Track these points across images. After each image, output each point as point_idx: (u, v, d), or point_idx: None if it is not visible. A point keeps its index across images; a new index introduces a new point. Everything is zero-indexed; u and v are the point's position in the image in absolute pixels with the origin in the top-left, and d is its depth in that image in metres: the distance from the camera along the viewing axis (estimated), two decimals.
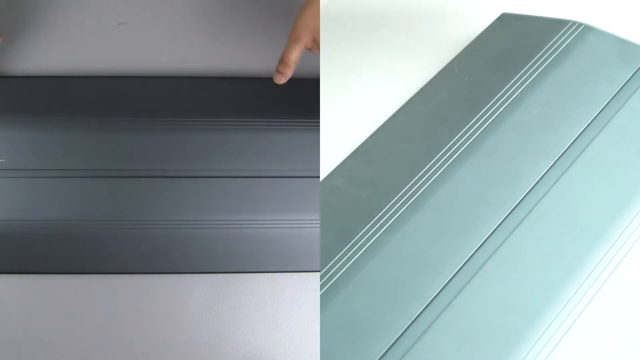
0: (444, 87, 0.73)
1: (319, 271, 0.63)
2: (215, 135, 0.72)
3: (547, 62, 0.72)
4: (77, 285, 0.69)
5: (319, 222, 0.69)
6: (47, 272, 0.69)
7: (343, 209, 0.64)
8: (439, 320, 0.54)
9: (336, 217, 0.63)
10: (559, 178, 0.62)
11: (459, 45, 0.78)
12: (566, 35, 0.74)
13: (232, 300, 0.70)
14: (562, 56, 0.72)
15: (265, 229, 0.70)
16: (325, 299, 0.57)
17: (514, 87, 0.70)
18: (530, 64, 0.72)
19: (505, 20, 0.78)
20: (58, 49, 0.75)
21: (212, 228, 0.70)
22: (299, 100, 0.73)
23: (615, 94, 0.68)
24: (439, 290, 0.56)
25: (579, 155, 0.64)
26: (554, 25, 0.75)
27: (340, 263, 0.59)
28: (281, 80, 0.65)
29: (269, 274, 0.71)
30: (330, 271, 0.59)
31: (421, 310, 0.55)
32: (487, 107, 0.69)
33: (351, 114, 0.74)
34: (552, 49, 0.73)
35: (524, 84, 0.70)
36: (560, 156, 0.64)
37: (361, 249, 0.60)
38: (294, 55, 0.63)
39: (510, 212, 0.60)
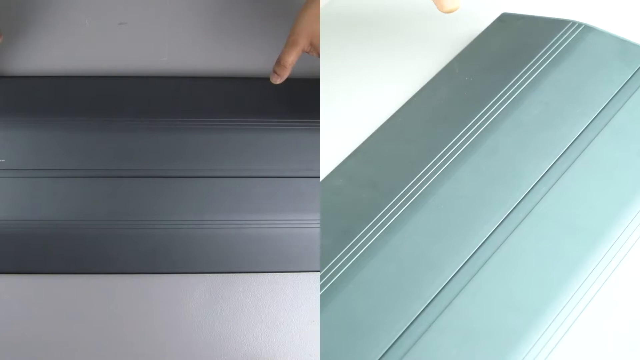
0: (444, 87, 0.73)
1: (319, 271, 0.63)
2: (215, 135, 0.72)
3: (547, 62, 0.71)
4: (77, 285, 0.69)
5: (319, 222, 0.69)
6: (47, 272, 0.69)
7: (343, 209, 0.64)
8: (439, 320, 0.54)
9: (336, 217, 0.63)
10: (559, 178, 0.62)
11: (459, 45, 0.78)
12: (566, 35, 0.74)
13: (232, 300, 0.70)
14: (562, 56, 0.72)
15: (265, 229, 0.70)
16: (325, 299, 0.57)
17: (514, 87, 0.70)
18: (530, 64, 0.72)
19: (505, 20, 0.78)
20: (58, 49, 0.75)
21: (212, 228, 0.70)
22: (299, 100, 0.73)
23: (615, 94, 0.68)
24: (439, 290, 0.56)
25: (579, 155, 0.64)
26: (554, 25, 0.75)
27: (340, 263, 0.59)
28: (277, 80, 0.67)
29: (269, 274, 0.71)
30: (330, 271, 0.59)
31: (421, 310, 0.55)
32: (487, 107, 0.69)
33: (351, 114, 0.74)
34: (552, 49, 0.73)
35: (524, 84, 0.70)
36: (560, 156, 0.64)
37: (361, 249, 0.60)
38: (291, 58, 0.64)
39: (511, 211, 0.60)
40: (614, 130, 0.65)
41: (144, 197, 0.70)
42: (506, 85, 0.70)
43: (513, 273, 0.56)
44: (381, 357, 0.53)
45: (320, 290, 0.58)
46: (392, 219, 0.62)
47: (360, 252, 0.60)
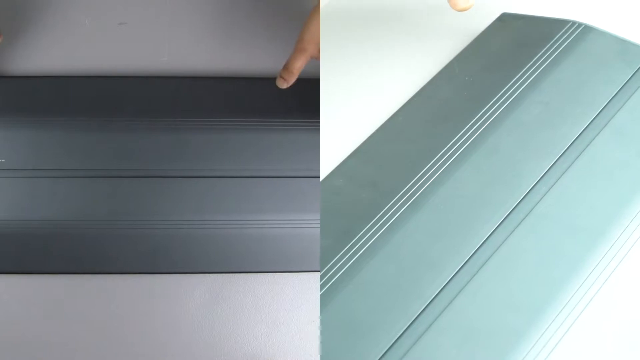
0: (444, 87, 0.73)
1: (319, 271, 0.63)
2: (215, 135, 0.72)
3: (547, 62, 0.72)
4: (77, 285, 0.69)
5: (319, 222, 0.69)
6: (47, 272, 0.69)
7: (343, 209, 0.64)
8: (439, 319, 0.54)
9: (336, 217, 0.63)
10: (560, 178, 0.62)
11: (459, 45, 0.78)
12: (566, 35, 0.74)
13: (232, 300, 0.70)
14: (562, 56, 0.72)
15: (265, 229, 0.70)
16: (325, 299, 0.57)
17: (514, 87, 0.70)
18: (530, 63, 0.72)
19: (505, 20, 0.78)
20: (58, 49, 0.75)
21: (212, 228, 0.70)
22: (299, 100, 0.73)
23: (615, 94, 0.68)
24: (439, 290, 0.56)
25: (580, 154, 0.64)
26: (554, 25, 0.75)
27: (340, 263, 0.59)
28: (283, 85, 0.67)
29: (269, 274, 0.71)
30: (330, 271, 0.59)
31: (421, 310, 0.55)
32: (487, 106, 0.69)
33: (351, 114, 0.74)
34: (552, 49, 0.73)
35: (524, 84, 0.70)
36: (560, 156, 0.64)
37: (361, 249, 0.60)
38: (299, 64, 0.65)
39: (511, 211, 0.60)
40: (614, 130, 0.65)
41: (144, 197, 0.70)
42: (506, 85, 0.70)
43: (513, 273, 0.56)
44: (381, 357, 0.53)
45: (320, 290, 0.58)
46: (392, 218, 0.62)
47: (360, 252, 0.60)
